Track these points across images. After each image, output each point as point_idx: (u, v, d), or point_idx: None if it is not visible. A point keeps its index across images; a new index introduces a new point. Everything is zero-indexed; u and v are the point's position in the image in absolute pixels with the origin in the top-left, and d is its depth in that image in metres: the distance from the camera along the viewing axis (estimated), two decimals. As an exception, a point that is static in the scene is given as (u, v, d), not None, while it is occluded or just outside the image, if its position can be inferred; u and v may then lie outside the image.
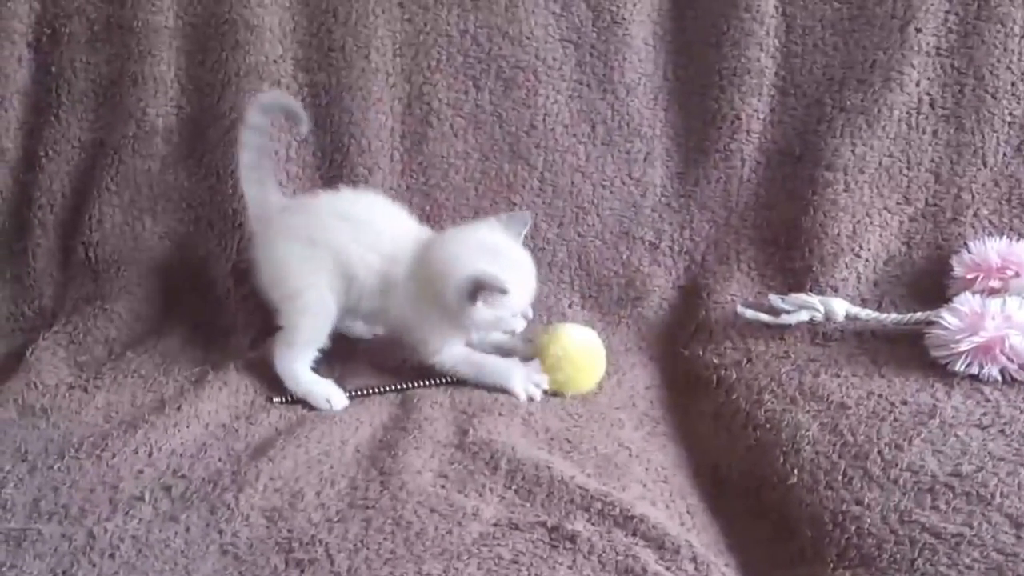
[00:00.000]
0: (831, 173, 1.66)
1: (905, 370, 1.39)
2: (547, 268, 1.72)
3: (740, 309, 1.58)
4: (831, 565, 1.06)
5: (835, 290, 1.62)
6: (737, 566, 1.10)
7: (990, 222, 1.63)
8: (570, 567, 1.02)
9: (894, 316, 1.52)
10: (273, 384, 1.45)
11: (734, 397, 1.41)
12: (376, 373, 1.51)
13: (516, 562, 1.03)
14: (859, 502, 1.11)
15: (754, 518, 1.20)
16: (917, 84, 1.65)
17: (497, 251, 1.42)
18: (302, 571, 1.02)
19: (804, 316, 1.53)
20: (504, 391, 1.43)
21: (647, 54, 1.76)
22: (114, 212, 1.68)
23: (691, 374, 1.54)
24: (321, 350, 1.47)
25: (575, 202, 1.75)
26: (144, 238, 1.69)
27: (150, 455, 1.22)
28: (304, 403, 1.41)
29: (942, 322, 1.40)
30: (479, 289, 1.37)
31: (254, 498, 1.13)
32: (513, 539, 1.06)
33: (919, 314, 1.49)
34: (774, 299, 1.56)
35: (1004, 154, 1.64)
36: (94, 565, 1.02)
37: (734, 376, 1.46)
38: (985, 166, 1.64)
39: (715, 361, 1.52)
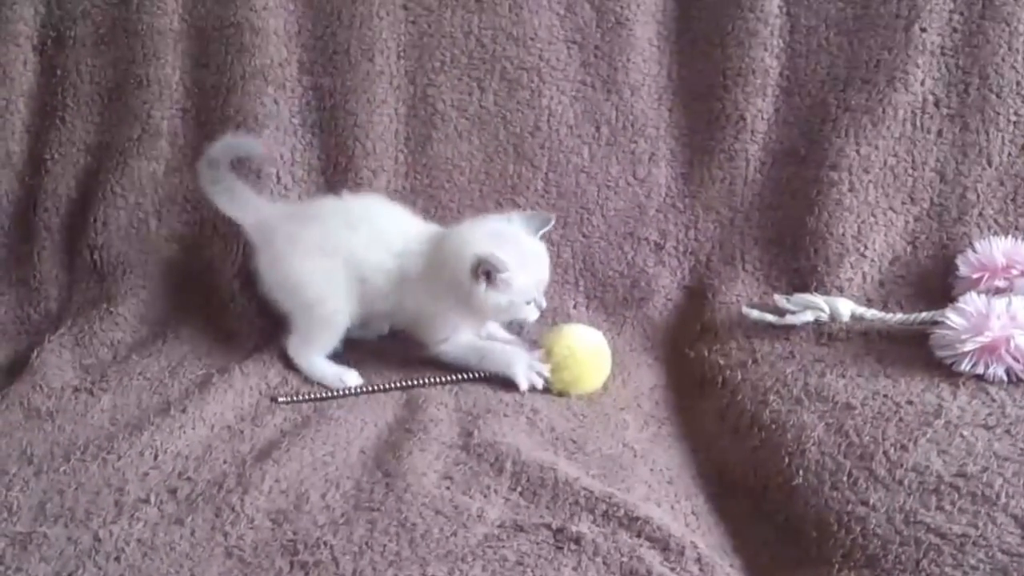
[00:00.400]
0: (836, 173, 1.66)
1: (910, 370, 1.39)
2: (552, 269, 1.71)
3: (745, 309, 1.58)
4: (836, 566, 1.06)
5: (840, 290, 1.62)
6: (742, 567, 1.10)
7: (995, 221, 1.63)
8: (575, 569, 1.02)
9: (899, 316, 1.52)
10: (279, 385, 1.46)
11: (739, 398, 1.41)
12: (381, 372, 1.51)
13: (521, 564, 1.03)
14: (864, 503, 1.11)
15: (759, 519, 1.20)
16: (922, 84, 1.65)
17: (505, 237, 1.44)
18: (307, 573, 1.02)
19: (809, 316, 1.53)
20: (508, 389, 1.44)
21: (651, 54, 1.75)
22: (119, 215, 1.69)
23: (696, 374, 1.54)
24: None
25: (580, 203, 1.75)
26: (149, 241, 1.70)
27: (155, 457, 1.22)
28: (309, 404, 1.41)
29: (947, 322, 1.40)
30: (481, 268, 1.39)
31: (259, 500, 1.14)
32: (518, 541, 1.06)
33: (924, 314, 1.49)
34: (779, 299, 1.56)
35: (1009, 153, 1.63)
36: (99, 568, 1.03)
37: (739, 376, 1.46)
38: (990, 165, 1.63)
39: (720, 361, 1.52)
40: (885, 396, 1.31)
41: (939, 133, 1.65)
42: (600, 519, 1.09)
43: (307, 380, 1.48)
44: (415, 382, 1.47)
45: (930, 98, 1.65)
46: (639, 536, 1.07)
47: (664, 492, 1.20)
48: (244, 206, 1.56)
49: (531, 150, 1.74)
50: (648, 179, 1.75)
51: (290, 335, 1.52)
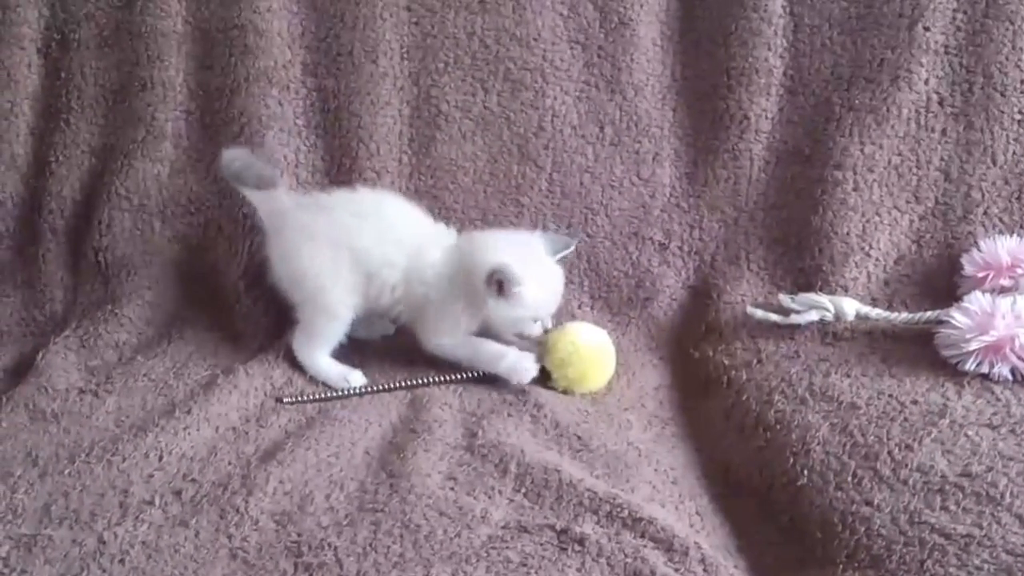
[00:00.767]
0: (840, 172, 1.66)
1: (915, 370, 1.39)
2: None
3: (750, 309, 1.58)
4: (841, 566, 1.06)
5: (845, 290, 1.62)
6: (747, 567, 1.10)
7: (1000, 220, 1.63)
8: (578, 570, 1.02)
9: (904, 315, 1.52)
10: (283, 386, 1.46)
11: (744, 397, 1.41)
12: (385, 372, 1.51)
13: (524, 565, 1.03)
14: (869, 503, 1.11)
15: (764, 519, 1.20)
16: (926, 83, 1.65)
17: (526, 252, 1.45)
18: (311, 575, 1.02)
19: (814, 316, 1.53)
20: (511, 388, 1.45)
21: (655, 54, 1.75)
22: (124, 216, 1.69)
23: (701, 374, 1.54)
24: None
25: (584, 203, 1.74)
26: (154, 242, 1.70)
27: (160, 459, 1.22)
28: (313, 404, 1.42)
29: (952, 321, 1.40)
30: (495, 277, 1.40)
31: (263, 502, 1.14)
32: (522, 542, 1.06)
33: (929, 313, 1.49)
34: (784, 299, 1.56)
35: (1014, 152, 1.63)
36: (104, 570, 1.03)
37: (744, 376, 1.46)
38: (995, 164, 1.63)
39: (725, 361, 1.52)
40: (890, 396, 1.31)
41: (943, 132, 1.65)
42: (604, 520, 1.09)
43: (312, 380, 1.48)
44: (419, 381, 1.47)
45: (934, 97, 1.65)
46: (643, 536, 1.07)
47: (668, 492, 1.21)
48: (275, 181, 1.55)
49: (535, 151, 1.74)
50: (652, 179, 1.75)
51: (296, 331, 1.52)
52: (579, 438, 1.31)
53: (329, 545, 1.06)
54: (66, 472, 1.19)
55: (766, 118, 1.71)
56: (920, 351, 1.44)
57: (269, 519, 1.12)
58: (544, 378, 1.48)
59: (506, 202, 1.74)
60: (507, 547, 1.06)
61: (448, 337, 1.49)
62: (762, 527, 1.18)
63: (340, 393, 1.45)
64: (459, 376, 1.48)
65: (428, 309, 1.48)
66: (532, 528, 1.09)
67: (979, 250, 1.57)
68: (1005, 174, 1.63)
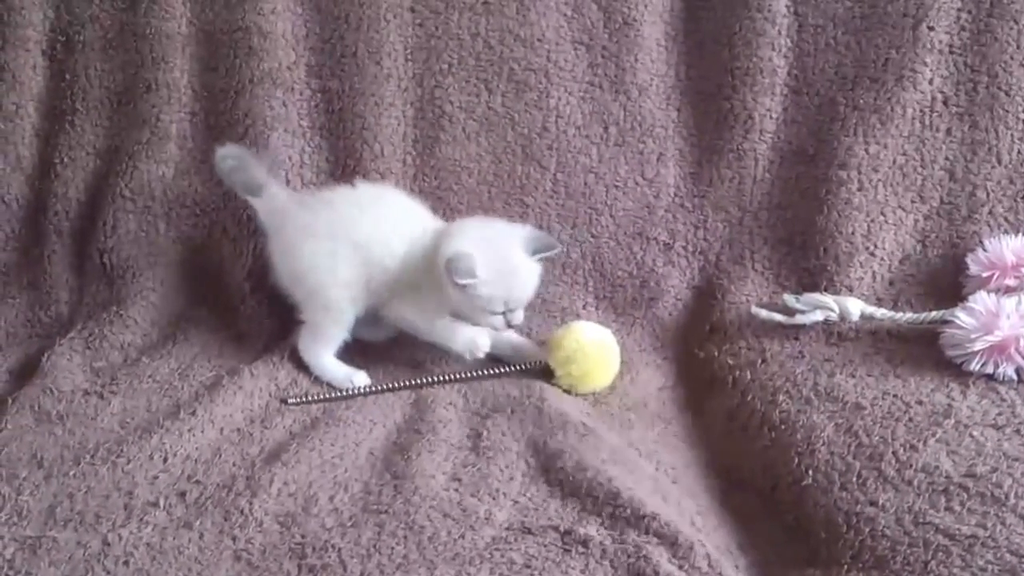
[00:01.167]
0: (845, 172, 1.65)
1: (920, 370, 1.39)
2: (561, 269, 1.72)
3: (755, 309, 1.57)
4: (845, 566, 1.06)
5: (850, 289, 1.61)
6: (750, 566, 1.11)
7: (1005, 220, 1.62)
8: (582, 571, 1.03)
9: (909, 315, 1.52)
10: (288, 387, 1.46)
11: (749, 398, 1.41)
12: (390, 373, 1.52)
13: (528, 566, 1.03)
14: (873, 503, 1.11)
15: (768, 519, 1.20)
16: (930, 82, 1.64)
17: (491, 246, 1.44)
18: (315, 576, 1.03)
19: (819, 316, 1.53)
20: (516, 386, 1.44)
21: (659, 55, 1.75)
22: (128, 218, 1.69)
23: (706, 374, 1.54)
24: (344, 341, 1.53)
25: (588, 203, 1.74)
26: (159, 244, 1.70)
27: (165, 460, 1.23)
28: (318, 405, 1.42)
29: (957, 321, 1.39)
30: (450, 266, 1.40)
31: (268, 503, 1.14)
32: (525, 543, 1.07)
33: (934, 313, 1.49)
34: (789, 299, 1.56)
35: (1019, 151, 1.62)
36: (108, 572, 1.03)
37: (749, 376, 1.46)
38: (1000, 164, 1.63)
39: (730, 362, 1.52)
40: (895, 396, 1.31)
41: (948, 131, 1.64)
42: (608, 521, 1.10)
43: (316, 381, 1.49)
44: (423, 381, 1.47)
45: (939, 96, 1.65)
46: (647, 533, 1.07)
47: (669, 491, 1.21)
48: (264, 191, 1.56)
49: (539, 151, 1.74)
50: (657, 179, 1.74)
51: (300, 331, 1.52)
52: (584, 424, 1.31)
53: (333, 547, 1.07)
54: (71, 474, 1.19)
55: (770, 118, 1.71)
56: (925, 351, 1.43)
57: (273, 520, 1.12)
58: (548, 376, 1.48)
59: (510, 202, 1.74)
60: (511, 548, 1.06)
61: (412, 313, 1.51)
62: (766, 527, 1.18)
63: (344, 394, 1.45)
64: (463, 376, 1.48)
65: (411, 291, 1.49)
66: (536, 529, 1.09)
67: (984, 250, 1.57)
68: (1010, 173, 1.62)
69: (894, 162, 1.65)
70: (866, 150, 1.65)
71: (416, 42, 1.73)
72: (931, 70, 1.64)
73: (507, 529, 1.09)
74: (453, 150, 1.74)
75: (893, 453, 1.17)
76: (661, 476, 1.24)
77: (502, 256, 1.44)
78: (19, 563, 1.04)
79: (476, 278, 1.40)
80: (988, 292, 1.45)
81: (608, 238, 1.74)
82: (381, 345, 1.60)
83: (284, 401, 1.42)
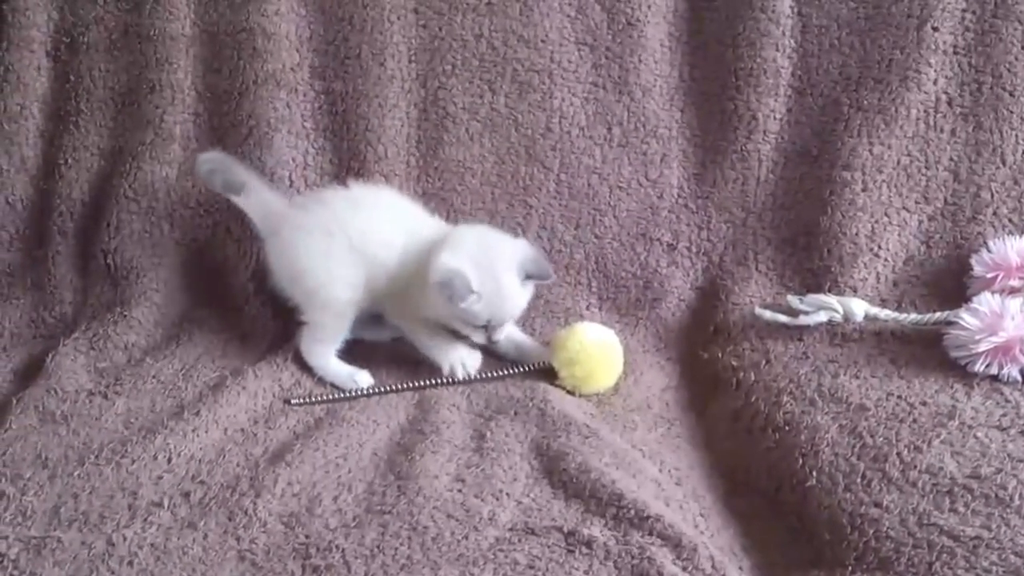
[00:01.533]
0: (849, 173, 1.65)
1: (924, 371, 1.39)
2: (564, 270, 1.72)
3: (758, 310, 1.57)
4: (849, 568, 1.06)
5: (854, 290, 1.61)
6: (754, 568, 1.11)
7: (1010, 220, 1.62)
8: (586, 572, 1.03)
9: (913, 316, 1.51)
10: (291, 387, 1.46)
11: (753, 399, 1.40)
12: (393, 374, 1.52)
13: (532, 567, 1.03)
14: (877, 504, 1.11)
15: (772, 520, 1.20)
16: (935, 83, 1.64)
17: (486, 265, 1.44)
18: (319, 577, 1.03)
19: (823, 317, 1.52)
20: (520, 388, 1.45)
21: (663, 55, 1.75)
22: (133, 219, 1.69)
23: (709, 376, 1.54)
24: (344, 341, 1.53)
25: (592, 204, 1.74)
26: (163, 244, 1.70)
27: (169, 461, 1.23)
28: (321, 406, 1.42)
29: (961, 322, 1.39)
30: (444, 285, 1.40)
31: (272, 504, 1.14)
32: (529, 544, 1.07)
33: (938, 314, 1.49)
34: (792, 300, 1.56)
35: (1023, 152, 1.62)
36: (113, 572, 1.04)
37: (752, 377, 1.46)
38: (1004, 164, 1.62)
39: (733, 363, 1.52)
40: (899, 397, 1.31)
41: (952, 132, 1.64)
42: (611, 522, 1.10)
43: (320, 382, 1.49)
44: (427, 382, 1.47)
45: (943, 97, 1.65)
46: (651, 534, 1.07)
47: (672, 492, 1.21)
48: (254, 194, 1.57)
49: (543, 152, 1.74)
50: (660, 180, 1.74)
51: (302, 333, 1.53)
52: (588, 426, 1.31)
53: (337, 547, 1.07)
54: (75, 474, 1.19)
55: (774, 119, 1.71)
56: (929, 352, 1.43)
57: (277, 521, 1.12)
58: (551, 377, 1.48)
59: (514, 203, 1.74)
60: (514, 549, 1.06)
61: (405, 319, 1.53)
62: (770, 528, 1.18)
63: (348, 394, 1.45)
64: (467, 377, 1.48)
65: (409, 290, 1.49)
66: (539, 530, 1.09)
67: (988, 251, 1.56)
68: (1014, 174, 1.62)
69: (898, 163, 1.65)
70: (870, 151, 1.65)
71: (420, 43, 1.73)
72: (935, 71, 1.64)
73: (511, 530, 1.09)
74: (457, 151, 1.74)
75: (897, 454, 1.17)
76: (665, 477, 1.24)
77: (493, 276, 1.43)
78: (23, 563, 1.04)
79: (472, 295, 1.40)
80: (992, 293, 1.44)
81: (612, 239, 1.74)
82: (385, 345, 1.60)
83: (287, 401, 1.42)
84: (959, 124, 1.64)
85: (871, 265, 1.63)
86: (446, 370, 1.48)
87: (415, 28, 1.72)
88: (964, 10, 1.63)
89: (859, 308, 1.52)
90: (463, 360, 1.48)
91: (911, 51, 1.64)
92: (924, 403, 1.28)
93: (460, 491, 1.17)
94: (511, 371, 1.49)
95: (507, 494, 1.16)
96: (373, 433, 1.33)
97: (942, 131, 1.64)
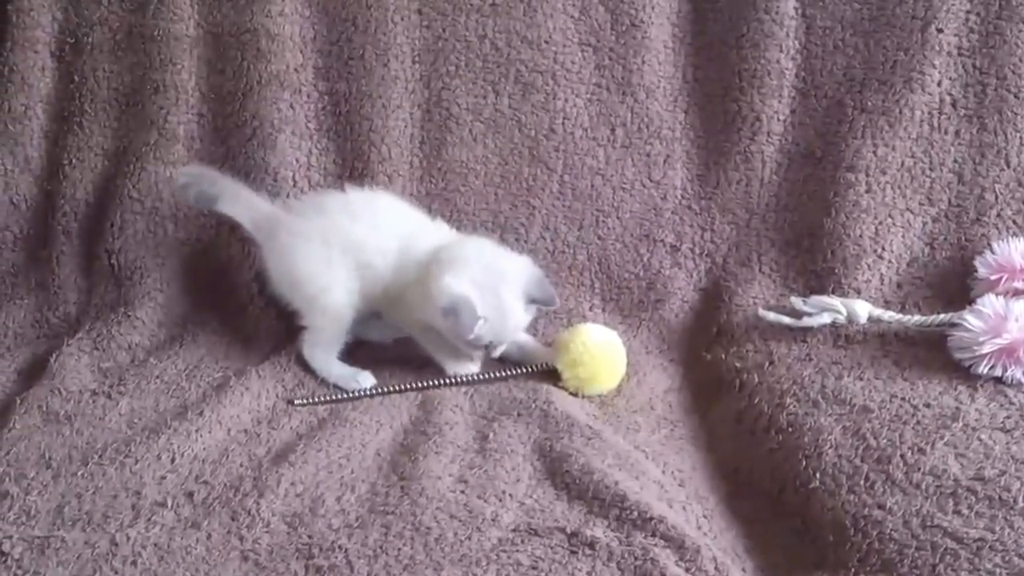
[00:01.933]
0: (853, 174, 1.65)
1: (928, 373, 1.39)
2: (567, 271, 1.72)
3: (762, 312, 1.57)
4: (852, 570, 1.05)
5: (857, 292, 1.61)
6: (757, 569, 1.10)
7: (1014, 222, 1.62)
8: (589, 573, 1.03)
9: (917, 318, 1.51)
10: (294, 388, 1.47)
11: (756, 400, 1.40)
12: (396, 374, 1.52)
13: (535, 568, 1.03)
14: (881, 506, 1.10)
15: (775, 522, 1.19)
16: (939, 84, 1.64)
17: (491, 288, 1.43)
18: (322, 577, 1.03)
19: (826, 318, 1.52)
20: (523, 390, 1.45)
21: (666, 56, 1.75)
22: (136, 219, 1.70)
23: (713, 377, 1.54)
24: (346, 343, 1.54)
25: (595, 205, 1.74)
26: (166, 245, 1.71)
27: (173, 461, 1.23)
28: (324, 406, 1.42)
29: (965, 324, 1.39)
30: (450, 312, 1.39)
31: (275, 504, 1.14)
32: (532, 545, 1.07)
33: (942, 316, 1.48)
34: (796, 301, 1.56)
35: (1028, 154, 1.63)
36: (116, 572, 1.04)
37: (756, 379, 1.45)
38: (1008, 166, 1.62)
39: (737, 364, 1.51)
40: (902, 399, 1.31)
41: (956, 134, 1.64)
42: (614, 523, 1.10)
43: (323, 382, 1.49)
44: (430, 383, 1.47)
45: (947, 99, 1.65)
46: (654, 536, 1.07)
47: (675, 494, 1.20)
48: (239, 203, 1.57)
49: (546, 153, 1.74)
50: (664, 181, 1.74)
51: (303, 337, 1.53)
52: (591, 427, 1.31)
53: (340, 547, 1.07)
54: (79, 474, 1.19)
55: (778, 120, 1.71)
56: (933, 354, 1.43)
57: (280, 521, 1.12)
58: (555, 378, 1.48)
59: (517, 204, 1.74)
60: (517, 550, 1.06)
61: (407, 327, 1.54)
62: (773, 530, 1.18)
63: (351, 395, 1.45)
64: (470, 378, 1.48)
65: (408, 295, 1.49)
66: (542, 531, 1.09)
67: (992, 252, 1.56)
68: (1019, 176, 1.62)
69: (902, 164, 1.65)
70: (874, 152, 1.65)
71: (423, 44, 1.73)
72: (939, 72, 1.64)
73: (513, 531, 1.09)
74: (460, 152, 1.74)
75: (901, 456, 1.17)
76: (668, 479, 1.24)
77: (497, 299, 1.43)
78: (27, 563, 1.04)
79: (479, 320, 1.40)
80: (996, 295, 1.45)
81: (615, 240, 1.74)
82: (388, 346, 1.60)
83: (291, 402, 1.42)
84: (963, 126, 1.64)
85: (875, 267, 1.63)
86: (449, 371, 1.48)
87: (419, 29, 1.73)
88: (968, 12, 1.64)
89: (863, 310, 1.52)
90: (468, 367, 1.49)
91: (915, 52, 1.64)
92: (928, 405, 1.28)
93: (463, 492, 1.17)
94: (514, 372, 1.49)
95: (510, 495, 1.16)
96: (376, 434, 1.33)
97: (946, 133, 1.64)
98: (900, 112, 1.64)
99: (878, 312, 1.53)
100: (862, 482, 1.15)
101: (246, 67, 1.71)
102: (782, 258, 1.70)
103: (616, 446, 1.27)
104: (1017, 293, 1.48)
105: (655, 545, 1.05)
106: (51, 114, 1.75)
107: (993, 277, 1.53)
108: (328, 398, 1.44)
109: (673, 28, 1.75)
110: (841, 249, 1.65)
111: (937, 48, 1.63)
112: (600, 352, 1.48)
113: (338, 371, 1.50)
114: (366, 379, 1.49)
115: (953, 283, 1.61)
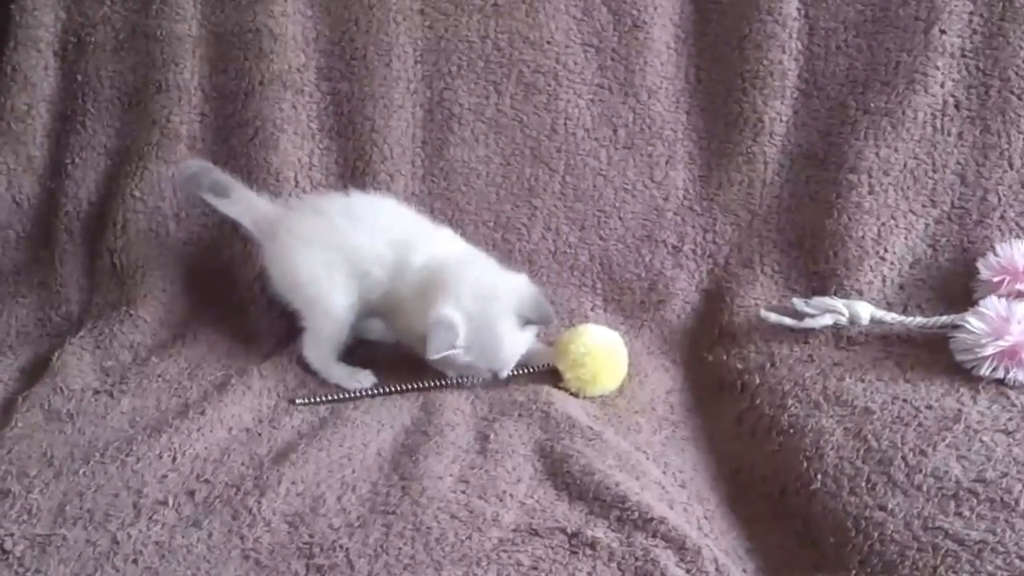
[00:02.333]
0: (855, 176, 1.65)
1: (930, 374, 1.38)
2: (569, 272, 1.72)
3: (764, 313, 1.57)
4: (853, 571, 1.05)
5: (860, 293, 1.61)
6: (758, 571, 1.10)
7: (1017, 224, 1.62)
8: (589, 573, 1.02)
9: (919, 320, 1.51)
10: (296, 387, 1.47)
11: (758, 402, 1.40)
12: (398, 374, 1.51)
13: (536, 568, 1.03)
14: (882, 508, 1.10)
15: (777, 523, 1.19)
16: (942, 86, 1.64)
17: (481, 314, 1.42)
18: (322, 576, 1.03)
19: (828, 320, 1.52)
20: (523, 391, 1.44)
21: (669, 57, 1.75)
22: (139, 218, 1.69)
23: (714, 378, 1.54)
24: (346, 343, 1.53)
25: (597, 206, 1.74)
26: (168, 244, 1.71)
27: (174, 460, 1.23)
28: (326, 406, 1.42)
29: (967, 326, 1.39)
30: (434, 331, 1.39)
31: (276, 503, 1.14)
32: (532, 545, 1.07)
33: (944, 318, 1.49)
34: (798, 302, 1.56)
35: (1030, 155, 1.62)
36: (117, 570, 1.03)
37: (757, 380, 1.45)
38: (1011, 168, 1.62)
39: (738, 365, 1.51)
40: (904, 401, 1.31)
41: (959, 135, 1.64)
42: (615, 523, 1.10)
43: (324, 382, 1.49)
44: (431, 384, 1.47)
45: (950, 100, 1.64)
46: (654, 536, 1.07)
47: (676, 495, 1.20)
48: (240, 203, 1.58)
49: (548, 153, 1.74)
50: (666, 182, 1.74)
51: (303, 338, 1.53)
52: (592, 428, 1.31)
53: (341, 547, 1.07)
54: (81, 472, 1.19)
55: (780, 121, 1.71)
56: (935, 356, 1.43)
57: (281, 520, 1.12)
58: (556, 379, 1.48)
59: (519, 204, 1.74)
60: (518, 550, 1.06)
61: (403, 337, 1.53)
62: (775, 531, 1.17)
63: (353, 395, 1.45)
64: (470, 379, 1.48)
65: (405, 306, 1.49)
66: (543, 532, 1.09)
67: (995, 254, 1.56)
68: (1022, 178, 1.62)
69: (905, 166, 1.65)
70: (877, 153, 1.65)
71: (425, 44, 1.73)
72: (943, 73, 1.64)
73: (514, 531, 1.09)
74: (462, 152, 1.74)
75: (902, 458, 1.17)
76: (669, 480, 1.24)
77: (488, 325, 1.42)
78: (29, 561, 1.04)
79: (455, 349, 1.40)
80: (999, 297, 1.45)
81: (616, 241, 1.74)
82: (388, 346, 1.60)
83: (292, 401, 1.42)
84: (966, 127, 1.64)
85: (877, 268, 1.63)
86: (451, 377, 1.48)
87: (421, 29, 1.73)
88: (971, 13, 1.64)
89: (865, 311, 1.52)
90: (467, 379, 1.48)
91: (918, 54, 1.64)
92: (929, 407, 1.28)
93: (464, 492, 1.17)
94: (515, 373, 1.49)
95: (511, 495, 1.16)
96: (377, 434, 1.33)
97: (949, 134, 1.64)
98: (903, 113, 1.64)
99: (880, 313, 1.52)
100: (863, 483, 1.15)
101: (248, 67, 1.71)
102: (784, 259, 1.70)
103: (617, 447, 1.27)
104: (1020, 295, 1.48)
105: (656, 546, 1.05)
106: (54, 113, 1.75)
107: (996, 279, 1.53)
108: (330, 398, 1.44)
109: (676, 29, 1.75)
110: (843, 250, 1.65)
111: (940, 49, 1.63)
112: (601, 353, 1.48)
113: (338, 371, 1.50)
114: (366, 378, 1.49)
115: (955, 285, 1.61)
